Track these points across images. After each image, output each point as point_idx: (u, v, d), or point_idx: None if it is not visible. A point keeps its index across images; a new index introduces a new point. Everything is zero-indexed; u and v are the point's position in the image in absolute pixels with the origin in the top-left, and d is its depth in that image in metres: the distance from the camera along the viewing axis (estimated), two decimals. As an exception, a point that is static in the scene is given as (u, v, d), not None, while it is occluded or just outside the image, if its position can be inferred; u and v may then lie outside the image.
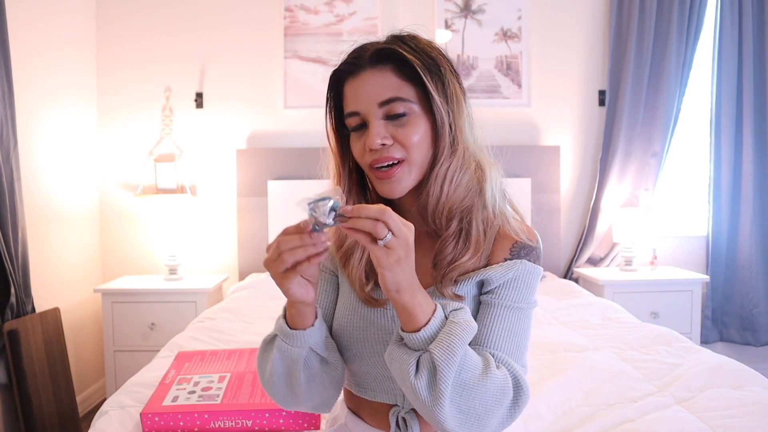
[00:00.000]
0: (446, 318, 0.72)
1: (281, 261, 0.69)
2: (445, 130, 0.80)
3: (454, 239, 0.82)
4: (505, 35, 3.07)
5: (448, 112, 0.81)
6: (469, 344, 0.77)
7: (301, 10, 3.03)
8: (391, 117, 0.79)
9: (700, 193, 3.18)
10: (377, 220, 0.66)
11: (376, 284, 0.85)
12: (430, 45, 0.83)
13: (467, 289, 0.83)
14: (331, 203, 0.66)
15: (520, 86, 3.08)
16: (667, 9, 2.94)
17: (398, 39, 0.82)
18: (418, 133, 0.79)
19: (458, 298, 0.81)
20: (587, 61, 3.12)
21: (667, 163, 3.06)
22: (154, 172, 3.03)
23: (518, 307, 0.81)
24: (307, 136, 3.05)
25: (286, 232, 0.70)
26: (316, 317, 0.79)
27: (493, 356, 0.77)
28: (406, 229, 0.67)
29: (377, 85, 0.79)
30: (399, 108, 0.78)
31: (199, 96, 3.06)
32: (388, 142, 0.79)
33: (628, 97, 2.98)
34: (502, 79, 3.07)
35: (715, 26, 2.99)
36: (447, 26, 3.05)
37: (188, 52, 3.06)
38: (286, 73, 3.05)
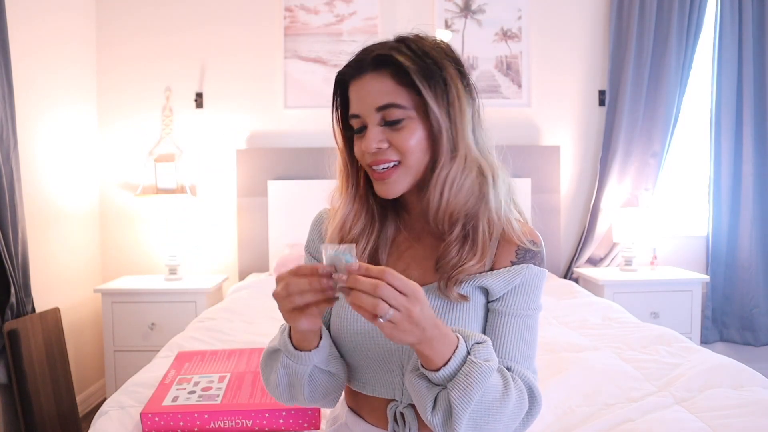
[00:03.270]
0: (468, 353, 0.72)
1: (290, 301, 0.69)
2: (443, 135, 0.80)
3: (458, 244, 0.82)
4: (505, 35, 3.07)
5: (449, 117, 0.80)
6: None
7: (301, 10, 3.03)
8: (387, 122, 0.80)
9: (700, 193, 3.18)
10: (375, 294, 0.64)
11: None
12: (435, 46, 0.82)
13: (470, 291, 0.83)
14: (345, 259, 0.66)
15: (520, 86, 3.08)
16: (667, 9, 2.94)
17: (402, 41, 0.82)
18: (413, 138, 0.80)
19: (463, 298, 0.82)
20: (587, 61, 3.12)
21: (667, 163, 3.06)
22: (154, 172, 3.03)
23: (527, 315, 0.83)
24: (308, 136, 3.05)
25: (299, 273, 0.69)
26: (321, 337, 0.81)
27: (507, 368, 0.79)
28: (408, 301, 0.65)
29: (375, 90, 0.79)
30: (395, 114, 0.79)
31: (199, 96, 3.06)
32: (384, 146, 0.80)
33: (628, 97, 2.98)
34: (502, 79, 3.07)
35: (715, 26, 3.00)
36: (447, 26, 3.05)
37: (188, 52, 3.06)
38: (286, 73, 3.05)
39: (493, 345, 0.80)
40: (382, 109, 0.79)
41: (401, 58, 0.78)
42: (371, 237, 0.87)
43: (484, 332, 0.84)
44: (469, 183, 0.82)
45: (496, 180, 0.83)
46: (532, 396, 0.78)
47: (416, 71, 0.78)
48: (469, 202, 0.82)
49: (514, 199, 0.89)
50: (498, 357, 0.80)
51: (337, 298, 0.69)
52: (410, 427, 0.83)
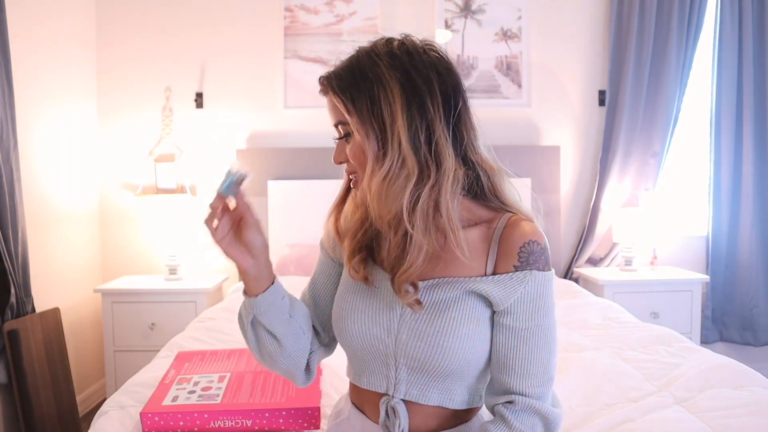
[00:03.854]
0: None
1: (212, 234, 0.86)
2: (369, 143, 0.78)
3: (400, 246, 0.81)
4: (505, 35, 3.07)
5: (379, 123, 0.78)
6: (493, 370, 0.83)
7: (301, 10, 3.03)
8: (343, 137, 0.84)
9: (700, 193, 3.18)
10: None
11: (364, 259, 0.89)
12: (376, 52, 0.80)
13: (460, 296, 0.82)
14: (227, 181, 0.88)
15: (520, 86, 3.08)
16: (667, 9, 2.94)
17: (353, 55, 0.82)
18: (354, 149, 0.82)
19: (418, 304, 0.81)
20: (587, 61, 3.12)
21: (667, 163, 3.06)
22: (154, 172, 3.03)
23: (537, 324, 0.83)
24: (308, 136, 3.05)
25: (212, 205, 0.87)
26: (264, 292, 0.86)
27: (512, 402, 0.80)
28: None
29: (330, 109, 0.85)
30: (343, 130, 0.84)
31: (199, 96, 3.07)
32: (343, 158, 0.85)
33: (628, 97, 2.98)
34: (502, 79, 3.07)
35: (715, 26, 3.00)
36: (447, 26, 3.05)
37: (188, 52, 3.06)
38: (286, 73, 3.05)
39: (506, 361, 0.82)
40: (337, 125, 0.84)
41: (325, 81, 0.83)
42: (362, 228, 0.90)
43: (490, 343, 0.84)
44: (396, 186, 0.78)
45: (438, 179, 0.78)
46: (546, 421, 0.81)
47: (337, 88, 0.80)
48: (397, 205, 0.79)
49: (513, 197, 0.90)
50: (510, 375, 0.81)
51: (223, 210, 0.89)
52: (401, 422, 0.84)
